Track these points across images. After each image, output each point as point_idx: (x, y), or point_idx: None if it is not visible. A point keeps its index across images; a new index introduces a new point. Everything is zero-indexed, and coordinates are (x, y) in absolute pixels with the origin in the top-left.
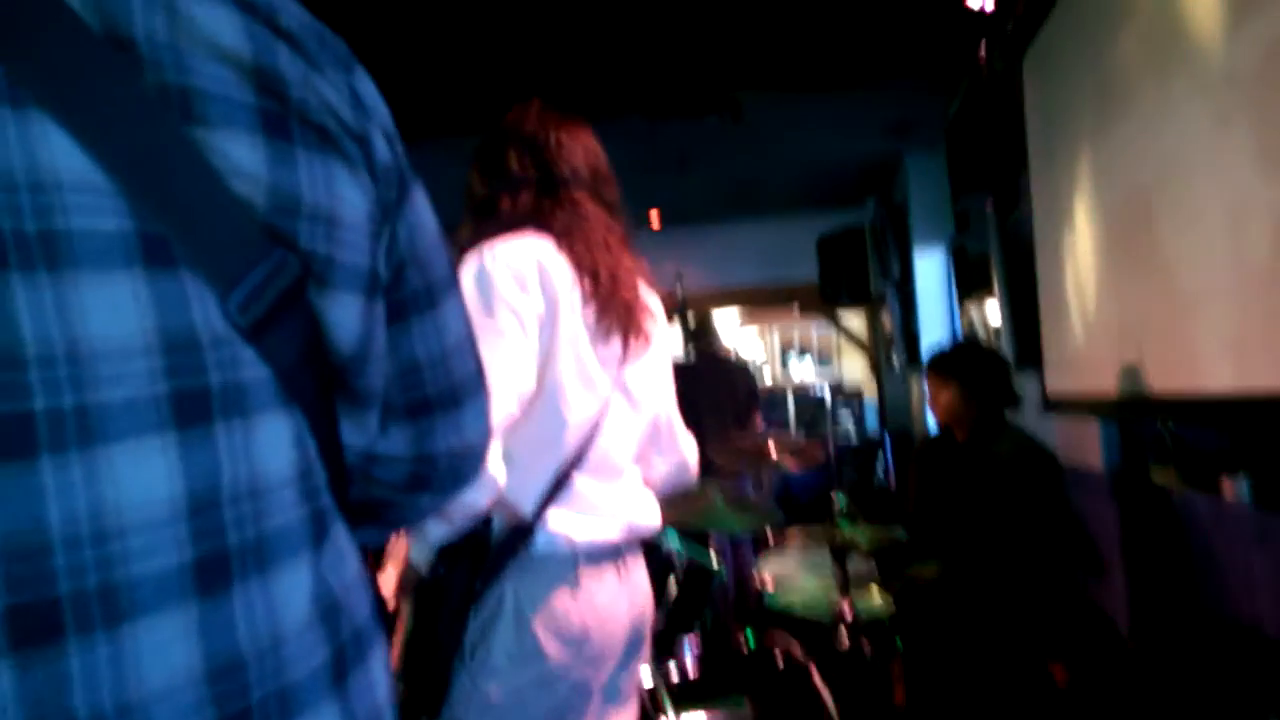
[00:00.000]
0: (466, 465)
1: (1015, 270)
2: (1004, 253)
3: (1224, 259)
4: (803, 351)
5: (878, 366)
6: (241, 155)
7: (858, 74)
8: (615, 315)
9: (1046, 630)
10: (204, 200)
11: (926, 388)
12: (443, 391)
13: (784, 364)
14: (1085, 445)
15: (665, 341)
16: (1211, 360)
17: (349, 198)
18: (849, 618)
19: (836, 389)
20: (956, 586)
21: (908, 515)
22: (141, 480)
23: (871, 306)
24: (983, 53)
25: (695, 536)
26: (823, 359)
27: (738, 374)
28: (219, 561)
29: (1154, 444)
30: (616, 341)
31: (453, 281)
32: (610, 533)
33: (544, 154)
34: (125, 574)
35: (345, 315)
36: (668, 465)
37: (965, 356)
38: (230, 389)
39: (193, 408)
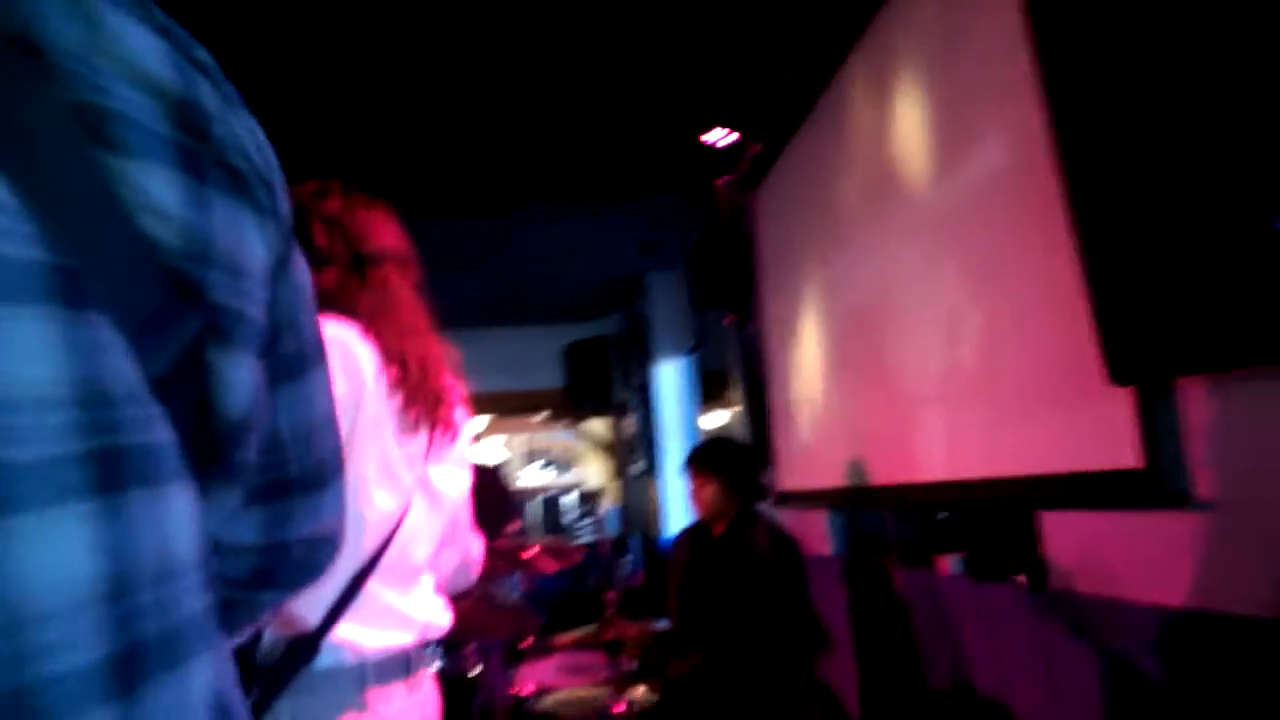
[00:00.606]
0: (320, 555)
1: (752, 379)
2: (741, 363)
3: (938, 368)
4: (546, 462)
5: (620, 471)
6: (156, 190)
7: (612, 193)
8: (423, 406)
9: (787, 708)
10: (110, 235)
11: (688, 482)
12: (305, 471)
13: (528, 469)
14: (813, 534)
15: (468, 434)
16: (928, 455)
17: (254, 248)
18: (618, 715)
19: (580, 494)
20: (716, 673)
21: (670, 608)
22: (60, 557)
23: (615, 413)
24: (722, 184)
25: (453, 645)
26: (565, 465)
27: (490, 478)
28: (135, 656)
29: (877, 530)
30: (422, 434)
31: (322, 351)
32: (402, 642)
33: (350, 230)
34: (39, 674)
35: (242, 375)
36: (452, 565)
37: (726, 452)
38: (144, 452)
39: (110, 471)
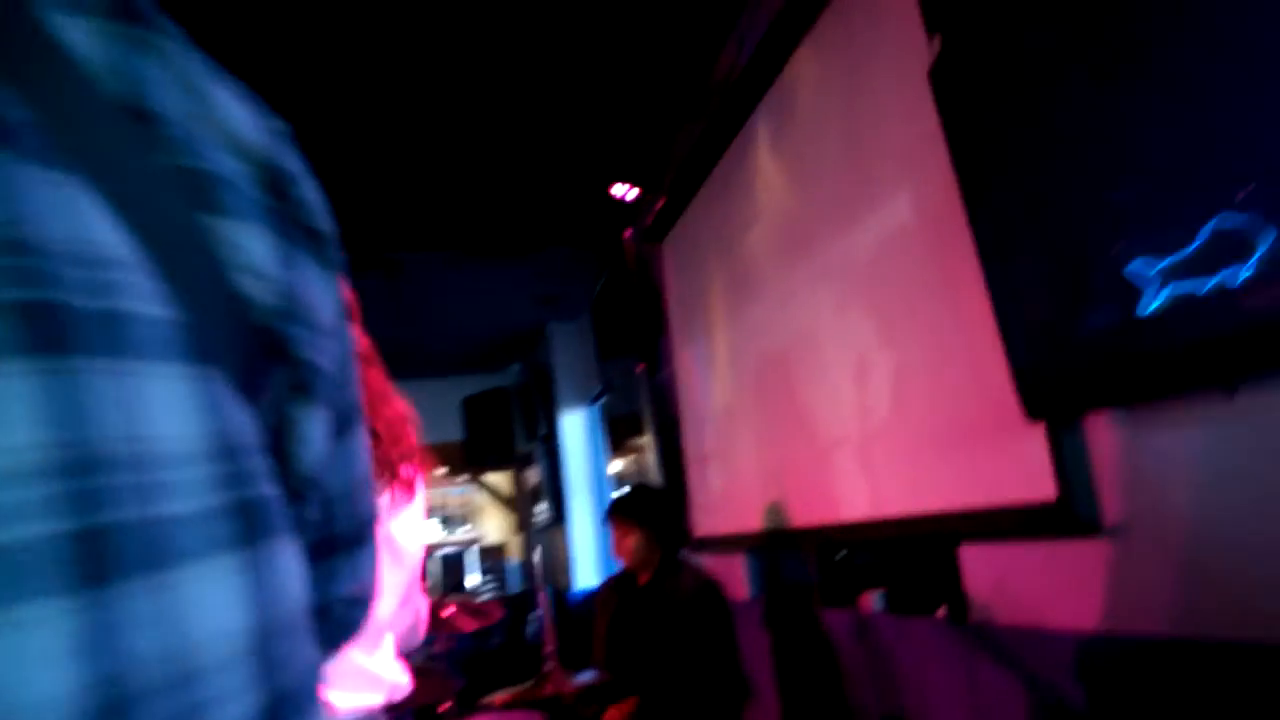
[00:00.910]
0: (356, 614)
1: (664, 426)
2: (653, 410)
3: (853, 412)
4: (442, 518)
5: (523, 524)
6: (253, 250)
7: (509, 245)
8: (389, 468)
9: None
10: (213, 293)
11: (610, 532)
12: (348, 529)
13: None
14: (731, 579)
15: (423, 489)
16: (847, 495)
17: (326, 303)
18: None
19: (480, 549)
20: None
21: (596, 658)
22: (218, 609)
23: (516, 466)
24: (629, 236)
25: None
26: (462, 520)
27: None
28: (280, 708)
29: (796, 572)
30: (385, 493)
31: (363, 409)
32: (372, 703)
33: None
34: None
35: (317, 430)
36: (407, 624)
37: (647, 500)
38: (267, 504)
39: (248, 523)
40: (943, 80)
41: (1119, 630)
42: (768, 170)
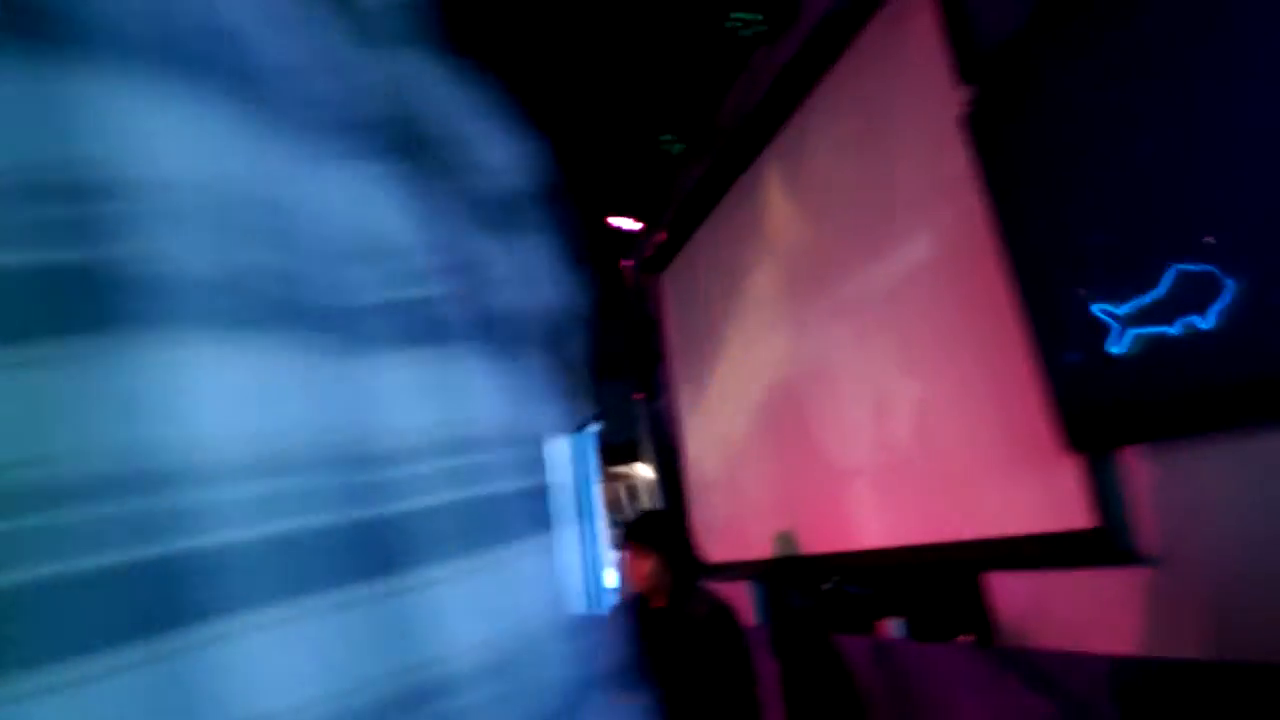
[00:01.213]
0: None
1: (663, 452)
2: (652, 437)
3: (871, 440)
4: None
5: None
6: (498, 265)
7: None
8: None
9: None
10: (481, 305)
11: (625, 557)
12: None
13: None
14: (737, 605)
15: None
16: (863, 524)
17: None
18: None
19: None
20: None
21: None
22: (539, 589)
23: None
24: (628, 266)
25: None
26: None
27: None
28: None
29: (807, 598)
30: None
31: None
32: None
33: None
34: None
35: None
36: None
37: (663, 526)
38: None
39: (546, 508)
40: (979, 127)
41: (1154, 655)
42: (778, 206)
